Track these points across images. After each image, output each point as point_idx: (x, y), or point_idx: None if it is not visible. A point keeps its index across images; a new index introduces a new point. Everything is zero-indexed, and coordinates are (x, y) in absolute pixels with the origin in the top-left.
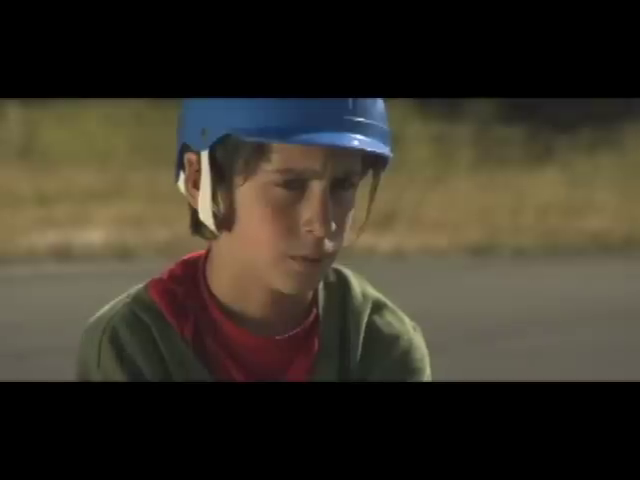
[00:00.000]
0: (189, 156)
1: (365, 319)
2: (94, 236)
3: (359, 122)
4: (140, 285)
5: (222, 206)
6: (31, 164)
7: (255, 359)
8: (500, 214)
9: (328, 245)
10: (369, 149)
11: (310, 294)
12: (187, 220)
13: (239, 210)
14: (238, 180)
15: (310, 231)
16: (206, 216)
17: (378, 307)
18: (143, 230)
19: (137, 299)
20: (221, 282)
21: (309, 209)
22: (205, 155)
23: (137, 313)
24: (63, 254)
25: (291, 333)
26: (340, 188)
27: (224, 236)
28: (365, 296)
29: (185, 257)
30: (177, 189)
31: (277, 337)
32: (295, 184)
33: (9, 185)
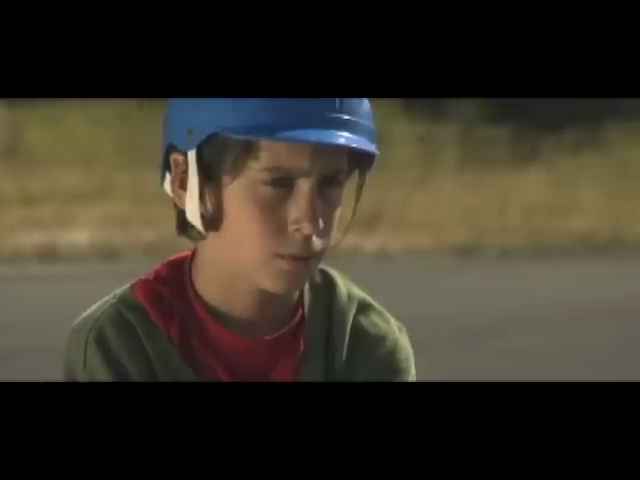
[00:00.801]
0: (175, 156)
1: (350, 319)
2: (79, 236)
3: (345, 120)
4: (126, 286)
5: (210, 206)
6: (16, 164)
7: (241, 360)
8: (485, 214)
9: (316, 243)
10: (355, 146)
11: (296, 294)
12: (173, 221)
13: (227, 210)
14: (226, 179)
15: (298, 229)
16: (194, 216)
17: (364, 308)
18: (128, 230)
19: (123, 300)
20: (207, 283)
21: (297, 207)
22: (192, 155)
23: (123, 313)
24: (48, 254)
25: (277, 334)
26: (327, 186)
27: (211, 236)
28: (351, 297)
29: (171, 258)
30: (162, 190)
31: (263, 338)
32: (283, 182)
33: None
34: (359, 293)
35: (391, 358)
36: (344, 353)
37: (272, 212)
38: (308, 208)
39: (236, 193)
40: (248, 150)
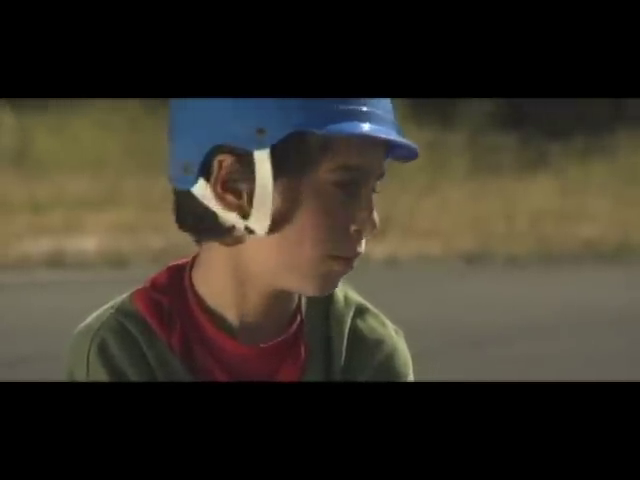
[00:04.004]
0: (222, 157)
1: (348, 324)
2: (88, 243)
3: (394, 122)
4: (124, 295)
5: (274, 207)
6: (24, 171)
7: (244, 367)
8: (493, 221)
9: (363, 244)
10: (416, 148)
11: (296, 299)
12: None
13: (291, 210)
14: (295, 179)
15: (359, 230)
16: (256, 219)
17: (360, 311)
18: (137, 237)
19: (123, 310)
20: (213, 289)
21: (360, 208)
22: (262, 154)
23: (124, 324)
24: (56, 261)
25: (279, 340)
26: (373, 188)
27: (253, 240)
28: (347, 300)
29: (170, 265)
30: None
31: (265, 344)
32: (348, 182)
33: (2, 192)
34: (355, 297)
35: (390, 363)
36: (343, 357)
37: (336, 213)
38: (370, 209)
39: (303, 193)
40: (323, 150)
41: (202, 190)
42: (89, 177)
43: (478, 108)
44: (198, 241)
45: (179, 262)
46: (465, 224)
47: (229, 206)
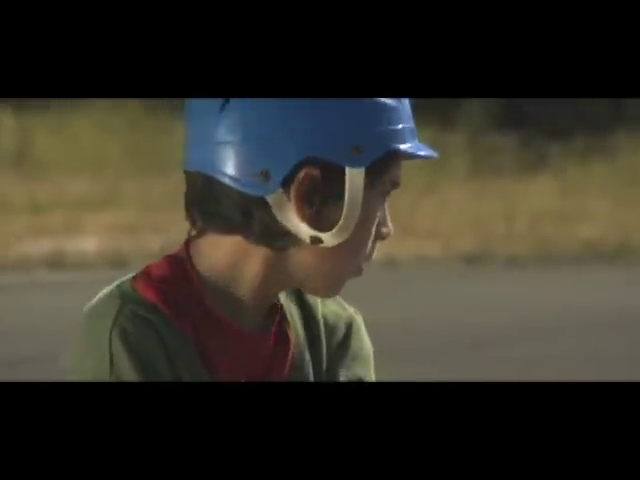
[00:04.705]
0: (310, 170)
1: (320, 309)
2: (87, 244)
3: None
4: (120, 285)
5: (354, 219)
6: (24, 172)
7: (248, 354)
8: (493, 222)
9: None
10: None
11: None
12: (184, 228)
13: (359, 223)
14: (369, 192)
15: (386, 235)
16: (338, 233)
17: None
18: (137, 238)
19: (132, 299)
20: (230, 280)
21: (386, 217)
22: (357, 172)
23: (137, 311)
24: (56, 262)
25: (274, 326)
26: None
27: (305, 247)
28: None
29: (166, 255)
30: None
31: (266, 331)
32: (386, 194)
33: (2, 192)
34: None
35: (359, 346)
36: (324, 344)
37: (375, 223)
38: (388, 213)
39: (368, 207)
40: (390, 166)
41: (278, 198)
42: (89, 178)
43: (478, 109)
44: (201, 232)
45: (177, 252)
46: (465, 225)
47: (304, 217)
